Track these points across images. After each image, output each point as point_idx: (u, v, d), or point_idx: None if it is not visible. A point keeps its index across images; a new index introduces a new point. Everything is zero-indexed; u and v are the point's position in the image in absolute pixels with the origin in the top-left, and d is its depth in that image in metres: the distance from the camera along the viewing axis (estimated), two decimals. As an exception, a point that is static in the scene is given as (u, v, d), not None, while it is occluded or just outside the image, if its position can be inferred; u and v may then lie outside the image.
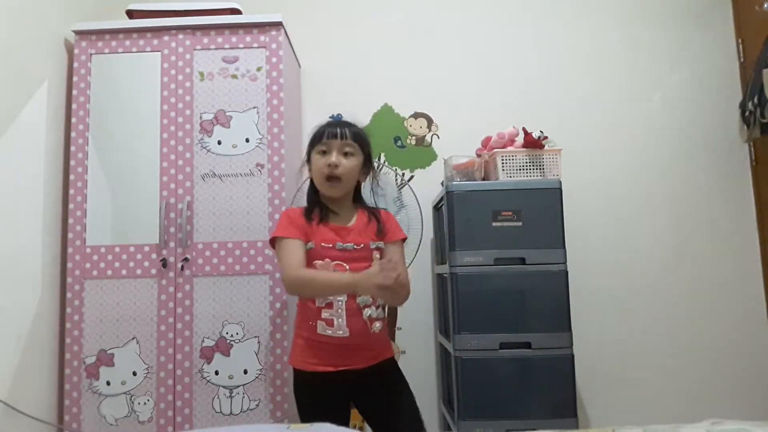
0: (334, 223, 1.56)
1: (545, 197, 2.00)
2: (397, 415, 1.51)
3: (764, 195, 2.43)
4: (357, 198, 1.67)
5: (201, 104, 2.16)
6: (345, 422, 1.53)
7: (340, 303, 1.49)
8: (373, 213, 1.63)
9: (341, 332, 1.48)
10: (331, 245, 1.51)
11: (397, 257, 1.55)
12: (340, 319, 1.48)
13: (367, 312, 1.51)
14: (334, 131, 1.56)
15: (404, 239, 1.64)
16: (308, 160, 1.62)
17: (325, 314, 1.49)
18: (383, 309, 1.57)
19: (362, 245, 1.53)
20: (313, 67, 2.65)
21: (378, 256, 1.54)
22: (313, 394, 1.52)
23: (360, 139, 1.59)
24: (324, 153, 1.55)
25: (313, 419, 1.34)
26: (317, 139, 1.58)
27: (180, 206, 2.09)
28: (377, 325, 1.53)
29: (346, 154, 1.55)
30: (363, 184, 1.69)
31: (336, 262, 1.51)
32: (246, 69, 2.18)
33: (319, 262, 1.51)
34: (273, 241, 1.57)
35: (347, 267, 1.50)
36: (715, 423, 1.01)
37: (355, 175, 1.58)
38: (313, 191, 1.63)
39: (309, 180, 1.65)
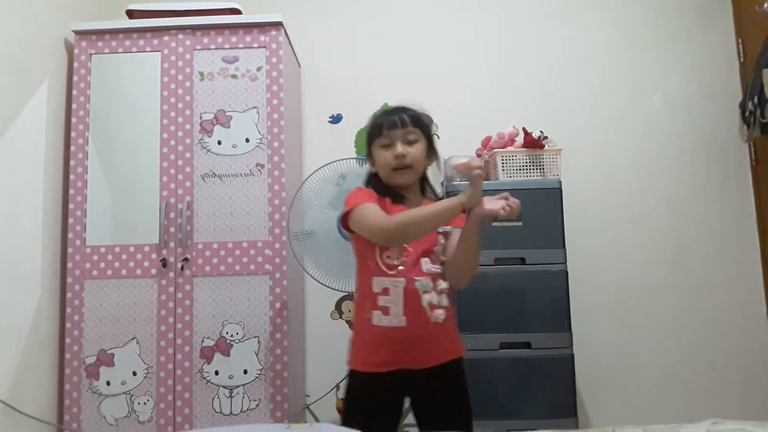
0: (406, 207, 1.44)
1: (545, 197, 2.00)
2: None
3: (764, 195, 2.43)
4: (424, 187, 1.55)
5: (201, 104, 2.16)
6: (394, 426, 1.43)
7: (398, 288, 1.37)
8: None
9: (397, 321, 1.36)
10: None
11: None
12: (396, 306, 1.36)
13: (426, 298, 1.37)
14: (393, 120, 1.45)
15: None
16: (369, 154, 1.51)
17: (381, 301, 1.38)
18: (447, 297, 1.43)
19: None
20: (313, 67, 2.65)
21: (443, 240, 1.46)
22: (366, 396, 1.41)
23: (420, 122, 1.48)
24: (387, 146, 1.45)
25: (360, 425, 1.20)
26: (376, 131, 1.47)
27: (180, 206, 2.09)
28: (438, 313, 1.38)
29: (410, 142, 1.44)
30: (428, 169, 1.55)
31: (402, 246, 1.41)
32: (246, 69, 2.18)
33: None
34: (346, 218, 1.42)
35: (411, 250, 1.40)
36: (715, 423, 1.01)
37: (423, 161, 1.47)
38: (379, 182, 1.50)
39: (369, 172, 1.55)
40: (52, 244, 2.09)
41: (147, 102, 2.16)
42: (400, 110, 1.48)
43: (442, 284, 1.43)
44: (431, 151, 1.51)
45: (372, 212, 1.37)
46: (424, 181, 1.54)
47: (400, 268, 1.39)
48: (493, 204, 1.31)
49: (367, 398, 1.42)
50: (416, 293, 1.38)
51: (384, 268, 1.40)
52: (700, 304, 2.45)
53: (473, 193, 1.30)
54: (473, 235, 1.37)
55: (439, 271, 1.43)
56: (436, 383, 1.42)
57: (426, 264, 1.41)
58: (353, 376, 1.45)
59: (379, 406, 1.40)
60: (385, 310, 1.38)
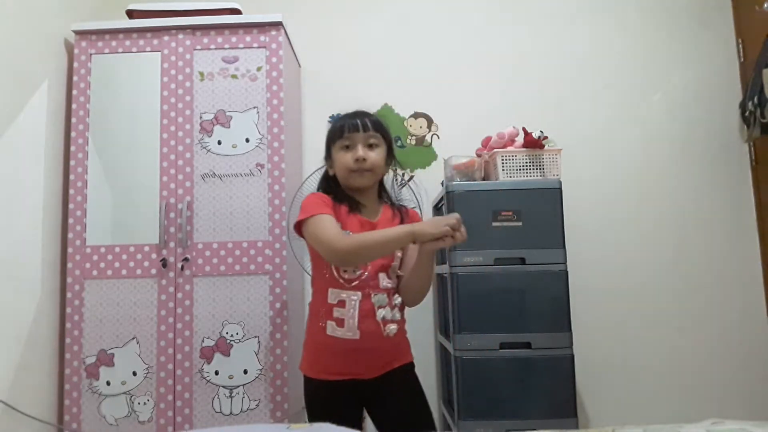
0: (362, 215, 1.46)
1: (545, 197, 2.00)
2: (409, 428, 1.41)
3: (764, 195, 2.43)
4: (381, 192, 1.56)
5: (201, 104, 2.16)
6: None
7: (353, 302, 1.39)
8: (399, 210, 1.54)
9: (351, 334, 1.38)
10: None
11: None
12: (351, 320, 1.39)
13: (381, 313, 1.40)
14: (354, 123, 1.45)
15: None
16: (328, 156, 1.51)
17: (336, 313, 1.40)
18: (400, 311, 1.47)
19: None
20: (313, 67, 2.65)
21: (400, 255, 1.48)
22: (323, 403, 1.44)
23: (381, 128, 1.49)
24: (347, 148, 1.45)
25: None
26: (337, 134, 1.46)
27: (180, 206, 2.09)
28: (391, 327, 1.41)
29: (371, 146, 1.45)
30: (385, 177, 1.57)
31: None
32: (246, 69, 2.18)
33: None
34: (300, 225, 1.42)
35: (369, 265, 1.42)
36: (715, 423, 1.01)
37: (382, 166, 1.49)
38: (335, 185, 1.50)
39: (325, 174, 1.55)
40: (52, 244, 2.09)
41: (147, 102, 2.16)
42: (362, 114, 1.49)
43: (397, 299, 1.46)
44: (390, 158, 1.52)
45: (326, 228, 1.35)
46: (381, 186, 1.55)
47: (356, 282, 1.41)
48: (439, 240, 1.31)
49: (325, 406, 1.43)
50: (371, 308, 1.40)
51: (340, 281, 1.41)
52: (700, 304, 2.45)
53: (427, 234, 1.30)
54: (426, 262, 1.42)
55: (394, 286, 1.46)
56: (387, 387, 1.45)
57: (384, 280, 1.43)
58: (307, 382, 1.47)
59: (336, 411, 1.40)
60: (340, 322, 1.40)
